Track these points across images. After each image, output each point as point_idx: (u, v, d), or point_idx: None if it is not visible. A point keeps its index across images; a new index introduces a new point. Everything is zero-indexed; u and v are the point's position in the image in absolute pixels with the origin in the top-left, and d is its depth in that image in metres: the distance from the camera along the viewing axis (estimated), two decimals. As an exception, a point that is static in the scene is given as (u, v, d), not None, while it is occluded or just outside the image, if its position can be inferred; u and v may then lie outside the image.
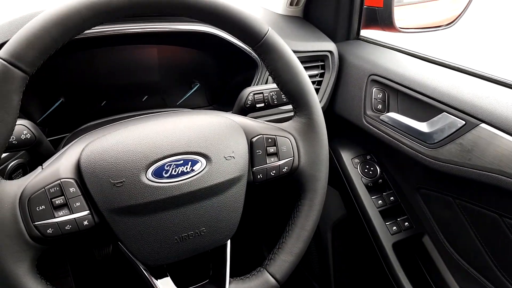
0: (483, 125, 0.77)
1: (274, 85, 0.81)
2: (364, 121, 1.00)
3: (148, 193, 0.57)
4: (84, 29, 0.54)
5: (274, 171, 0.68)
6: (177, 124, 0.62)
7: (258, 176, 0.67)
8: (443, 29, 1.16)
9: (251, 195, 0.67)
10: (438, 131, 0.84)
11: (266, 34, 0.63)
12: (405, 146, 0.91)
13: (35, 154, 0.69)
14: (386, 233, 1.02)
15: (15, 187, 0.53)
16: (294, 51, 0.67)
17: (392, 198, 1.06)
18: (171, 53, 0.99)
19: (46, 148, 0.69)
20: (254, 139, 0.67)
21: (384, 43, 1.09)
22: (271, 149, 0.67)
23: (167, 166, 0.59)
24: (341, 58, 1.06)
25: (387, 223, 1.03)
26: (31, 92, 0.84)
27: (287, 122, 0.71)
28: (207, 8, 0.59)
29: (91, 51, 0.88)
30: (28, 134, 0.63)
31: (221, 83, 1.05)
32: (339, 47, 1.07)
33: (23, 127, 0.63)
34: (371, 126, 0.98)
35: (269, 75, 0.96)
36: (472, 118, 0.78)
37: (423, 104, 0.88)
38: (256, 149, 0.67)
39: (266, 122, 0.70)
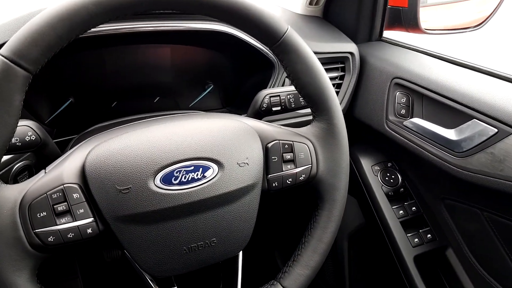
0: (517, 133, 0.71)
1: (292, 88, 0.77)
2: (386, 126, 0.95)
3: (156, 201, 0.53)
4: (91, 26, 0.51)
5: (290, 179, 0.63)
6: (187, 128, 0.58)
7: (273, 184, 0.63)
8: (471, 31, 1.10)
9: (266, 204, 0.63)
10: (467, 139, 0.78)
11: (285, 33, 0.59)
12: (430, 154, 0.86)
13: (41, 156, 0.66)
14: (407, 245, 0.97)
15: (15, 192, 0.50)
16: (313, 52, 0.63)
17: (414, 208, 1.00)
18: (184, 53, 0.95)
19: (52, 151, 0.66)
20: (269, 145, 0.63)
21: (408, 44, 1.03)
22: (288, 156, 0.63)
23: (176, 172, 0.55)
24: (362, 60, 1.02)
25: (409, 235, 0.98)
26: (39, 92, 0.82)
27: (305, 127, 0.66)
28: (223, 5, 0.55)
29: (102, 50, 0.86)
30: (33, 136, 0.60)
31: (235, 85, 1.01)
32: (360, 48, 1.02)
33: (27, 128, 0.60)
34: (393, 132, 0.93)
35: (286, 77, 0.93)
36: (506, 126, 0.73)
37: (450, 110, 0.82)
38: (272, 155, 0.63)
39: (282, 127, 0.66)
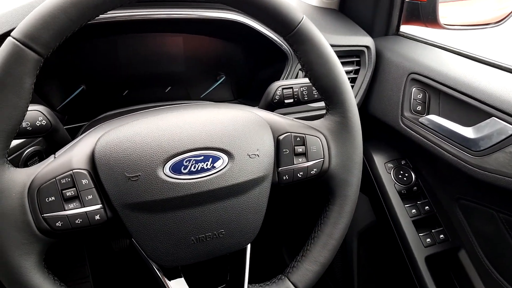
0: (539, 133, 0.69)
1: (305, 80, 0.75)
2: (401, 123, 0.92)
3: (165, 189, 0.52)
4: (104, 11, 0.50)
5: (301, 173, 0.62)
6: (198, 117, 0.57)
7: (284, 177, 0.61)
8: (491, 27, 1.07)
9: (275, 197, 0.62)
10: (485, 138, 0.76)
11: (300, 22, 0.57)
12: (445, 152, 0.83)
13: (51, 142, 0.66)
14: (419, 245, 0.95)
15: (24, 176, 0.49)
16: None
17: (427, 207, 0.98)
18: (197, 43, 0.94)
19: (62, 136, 0.66)
20: (281, 137, 0.61)
21: (426, 39, 1.01)
22: (300, 149, 0.62)
23: (186, 162, 0.54)
24: (378, 54, 0.99)
25: (421, 235, 0.96)
26: (51, 79, 0.82)
27: (318, 120, 0.65)
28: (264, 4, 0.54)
29: (114, 37, 0.85)
30: (44, 121, 0.60)
31: (248, 76, 0.99)
32: (376, 42, 1.00)
33: (38, 113, 0.60)
34: (408, 129, 0.91)
35: (300, 68, 0.91)
36: (526, 124, 0.70)
37: (468, 107, 0.80)
38: (283, 148, 0.61)
39: (294, 119, 0.65)
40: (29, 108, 0.50)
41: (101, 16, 0.50)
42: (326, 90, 0.61)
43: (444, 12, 1.04)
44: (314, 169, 0.62)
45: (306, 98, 0.74)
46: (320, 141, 0.62)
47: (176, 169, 0.53)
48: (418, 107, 0.90)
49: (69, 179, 0.50)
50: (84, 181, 0.51)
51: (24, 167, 0.71)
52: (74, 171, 0.51)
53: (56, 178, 0.50)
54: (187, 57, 0.94)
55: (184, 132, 0.55)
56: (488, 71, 0.83)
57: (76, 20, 0.48)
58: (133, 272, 1.47)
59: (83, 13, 0.48)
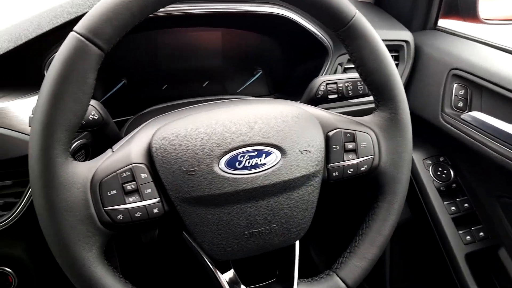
0: None
1: (349, 75, 0.75)
2: (441, 119, 0.91)
3: (221, 184, 0.53)
4: (163, 5, 0.50)
5: (351, 169, 0.62)
6: (250, 113, 0.57)
7: (334, 174, 0.61)
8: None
9: (324, 193, 0.62)
10: (532, 135, 0.75)
11: (353, 17, 0.57)
12: (489, 150, 0.82)
13: (99, 135, 0.67)
14: (458, 242, 0.94)
15: (86, 170, 0.50)
16: None
17: (466, 205, 0.97)
18: (234, 37, 0.94)
19: (112, 130, 0.67)
20: (330, 133, 0.61)
21: (466, 34, 0.99)
22: (350, 145, 0.61)
23: (240, 157, 0.54)
24: (417, 49, 0.98)
25: (460, 232, 0.94)
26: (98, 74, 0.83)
27: (367, 117, 0.64)
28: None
29: (155, 32, 0.85)
30: (96, 115, 0.61)
31: (284, 71, 0.99)
32: (415, 37, 0.98)
33: (91, 107, 0.61)
34: (449, 126, 0.90)
35: (339, 63, 0.91)
36: None
37: (513, 104, 0.79)
38: (333, 144, 0.61)
39: (342, 115, 0.64)
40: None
41: None
42: (377, 86, 0.60)
43: (484, 6, 1.02)
44: (364, 166, 0.62)
45: (350, 94, 0.74)
46: (371, 137, 0.62)
47: (231, 164, 0.54)
48: (459, 104, 0.88)
49: (129, 173, 0.51)
50: (143, 175, 0.52)
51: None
52: (133, 165, 0.52)
53: (117, 172, 0.51)
54: (224, 52, 0.95)
55: (238, 128, 0.55)
56: (534, 66, 0.81)
57: (138, 15, 0.49)
58: (161, 264, 1.49)
59: (145, 8, 0.49)
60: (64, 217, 0.48)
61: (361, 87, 0.74)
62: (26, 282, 0.79)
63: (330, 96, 0.74)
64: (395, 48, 0.96)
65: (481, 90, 0.85)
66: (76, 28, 0.47)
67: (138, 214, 0.51)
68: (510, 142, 0.78)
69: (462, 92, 0.88)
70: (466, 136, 0.86)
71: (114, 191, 0.50)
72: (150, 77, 0.90)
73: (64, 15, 0.68)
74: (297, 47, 0.94)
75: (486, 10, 1.04)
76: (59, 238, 0.48)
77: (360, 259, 0.62)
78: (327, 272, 0.63)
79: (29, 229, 0.72)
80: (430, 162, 0.99)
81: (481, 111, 0.86)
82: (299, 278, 0.62)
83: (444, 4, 1.03)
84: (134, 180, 0.51)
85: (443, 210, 0.95)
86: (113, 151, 0.54)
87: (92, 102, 0.61)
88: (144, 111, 0.79)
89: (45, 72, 0.71)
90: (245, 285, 0.60)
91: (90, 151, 0.75)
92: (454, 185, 0.98)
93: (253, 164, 0.55)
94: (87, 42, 0.46)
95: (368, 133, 0.62)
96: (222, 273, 0.58)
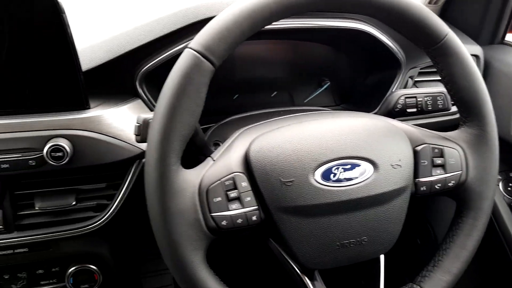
0: None
1: (428, 90, 0.75)
2: (512, 134, 0.90)
3: (317, 195, 0.55)
4: (269, 23, 0.53)
5: (439, 185, 0.62)
6: (341, 126, 0.59)
7: (421, 188, 0.62)
8: None
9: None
10: None
11: (446, 35, 0.58)
12: None
13: (189, 144, 0.70)
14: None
15: (194, 177, 0.53)
16: None
17: (539, 222, 0.95)
18: (303, 49, 0.96)
19: (201, 138, 0.70)
20: (418, 148, 0.62)
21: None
22: (438, 161, 0.62)
23: (334, 169, 0.56)
24: (486, 63, 0.97)
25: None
26: None
27: (454, 132, 0.65)
28: (385, 4, 0.55)
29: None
30: None
31: (351, 82, 1.00)
32: (483, 51, 0.98)
33: None
34: (521, 141, 0.89)
35: (410, 76, 0.91)
36: None
37: None
38: (421, 159, 0.62)
39: (428, 130, 0.65)
40: None
41: None
42: (466, 103, 0.61)
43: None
44: (452, 181, 0.62)
45: (429, 108, 0.75)
46: (459, 153, 0.63)
47: (325, 176, 0.56)
48: (533, 119, 0.87)
49: (231, 182, 0.54)
50: (243, 184, 0.55)
51: None
52: (235, 174, 0.55)
53: (221, 180, 0.54)
54: (293, 63, 0.97)
55: (332, 141, 0.57)
56: None
57: (247, 33, 0.52)
58: (226, 264, 1.52)
59: (254, 26, 0.51)
60: (176, 221, 0.51)
61: (441, 102, 0.75)
62: (109, 280, 0.83)
63: (408, 110, 0.75)
64: (465, 62, 0.96)
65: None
66: (191, 45, 0.50)
67: (239, 220, 0.54)
68: None
69: (535, 107, 0.87)
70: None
71: (219, 198, 0.53)
72: (225, 87, 0.93)
73: (158, 30, 0.72)
74: (365, 59, 0.95)
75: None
76: (170, 240, 0.51)
77: (444, 273, 0.63)
78: (410, 285, 0.64)
79: (114, 230, 0.77)
80: (500, 177, 0.98)
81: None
82: None
83: None
84: (236, 188, 0.54)
85: (514, 227, 0.94)
86: (214, 160, 0.57)
87: None
88: (225, 120, 0.82)
89: (136, 83, 0.75)
90: None
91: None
92: (524, 201, 0.96)
93: (347, 177, 0.56)
94: (202, 58, 0.50)
95: (456, 149, 0.63)
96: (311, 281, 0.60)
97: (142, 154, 0.71)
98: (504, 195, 0.96)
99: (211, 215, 0.53)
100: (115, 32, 0.72)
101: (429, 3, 1.07)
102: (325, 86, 0.99)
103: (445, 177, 0.62)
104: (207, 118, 0.87)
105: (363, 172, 0.57)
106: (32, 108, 0.66)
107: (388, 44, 0.85)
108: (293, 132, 0.58)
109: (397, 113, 0.75)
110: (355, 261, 0.60)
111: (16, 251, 0.76)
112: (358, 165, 0.57)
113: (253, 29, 0.52)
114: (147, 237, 1.27)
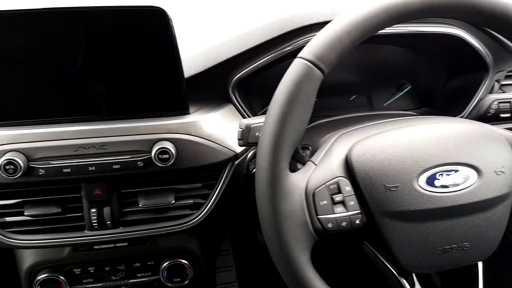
0: None
1: None
2: None
3: (421, 201, 0.56)
4: (377, 32, 0.54)
5: None
6: (442, 132, 0.60)
7: None
8: None
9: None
10: None
11: None
12: None
13: None
14: None
15: (301, 180, 0.56)
16: None
17: None
18: (383, 52, 0.97)
19: None
20: None
21: None
22: None
23: (438, 175, 0.57)
24: None
25: None
26: (254, 88, 0.90)
27: None
28: (499, 13, 0.55)
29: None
30: None
31: (431, 86, 0.99)
32: None
33: None
34: None
35: (497, 80, 0.89)
36: None
37: None
38: None
39: None
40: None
41: None
42: None
43: None
44: None
45: (525, 113, 0.73)
46: None
47: (430, 182, 0.56)
48: None
49: (335, 185, 0.56)
50: (347, 188, 0.57)
51: (247, 171, 0.80)
52: (339, 178, 0.57)
53: (326, 183, 0.56)
54: (371, 66, 0.97)
55: (434, 146, 0.57)
56: None
57: (356, 42, 0.53)
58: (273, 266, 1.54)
59: (364, 35, 0.53)
60: (286, 222, 0.53)
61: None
62: (198, 274, 0.88)
63: (502, 115, 0.74)
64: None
65: None
66: (303, 55, 0.53)
67: (343, 223, 0.56)
68: None
69: None
70: None
71: (325, 201, 0.55)
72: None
73: (254, 40, 0.76)
74: (448, 62, 0.94)
75: None
76: (279, 240, 0.54)
77: None
78: None
79: (205, 227, 0.81)
80: None
81: None
82: None
83: None
84: (341, 192, 0.56)
85: None
86: (315, 164, 0.59)
87: None
88: (312, 124, 0.84)
89: (229, 89, 0.79)
90: None
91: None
92: None
93: (451, 183, 0.57)
94: (313, 67, 0.52)
95: None
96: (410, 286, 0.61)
97: (235, 157, 0.75)
98: None
99: (317, 217, 0.55)
100: (212, 42, 0.76)
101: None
102: (405, 90, 0.98)
103: None
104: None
105: (467, 178, 0.57)
106: (140, 114, 0.72)
107: (477, 47, 0.83)
108: (395, 138, 0.59)
109: (489, 118, 0.74)
110: (455, 266, 0.60)
111: (117, 245, 0.83)
112: (462, 171, 0.57)
113: (362, 38, 0.54)
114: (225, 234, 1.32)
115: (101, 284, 0.85)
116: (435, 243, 0.57)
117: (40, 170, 0.67)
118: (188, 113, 0.74)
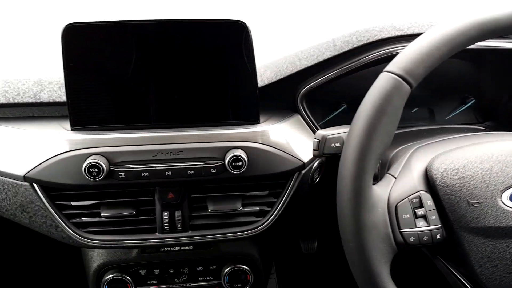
0: None
1: None
2: None
3: (505, 218, 0.55)
4: (464, 48, 0.54)
5: None
6: None
7: None
8: None
9: None
10: None
11: None
12: None
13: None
14: None
15: (383, 193, 0.56)
16: None
17: None
18: (443, 66, 0.95)
19: None
20: None
21: None
22: None
23: None
24: None
25: None
26: (317, 100, 0.91)
27: None
28: None
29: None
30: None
31: (495, 99, 0.97)
32: None
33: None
34: None
35: None
36: None
37: None
38: None
39: None
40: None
41: None
42: None
43: None
44: None
45: None
46: None
47: None
48: None
49: (417, 199, 0.56)
50: (429, 202, 0.57)
51: (311, 181, 0.81)
52: (420, 192, 0.57)
53: (408, 197, 0.56)
54: (433, 79, 0.96)
55: None
56: None
57: (444, 57, 0.53)
58: (318, 276, 1.54)
59: (452, 50, 0.53)
60: (369, 235, 0.54)
61: None
62: (257, 280, 0.89)
63: None
64: None
65: None
66: (391, 69, 0.53)
67: (425, 238, 0.56)
68: None
69: None
70: None
71: (408, 215, 0.56)
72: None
73: (328, 52, 0.77)
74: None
75: None
76: (362, 252, 0.54)
77: None
78: None
79: (266, 234, 0.83)
80: None
81: None
82: None
83: None
84: (422, 206, 0.56)
85: None
86: (394, 177, 0.59)
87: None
88: None
89: (298, 100, 0.81)
90: None
91: (319, 172, 0.83)
92: None
93: None
94: (402, 81, 0.52)
95: None
96: None
97: (303, 166, 0.76)
98: None
99: (400, 231, 0.55)
100: (284, 53, 0.78)
101: None
102: (469, 104, 0.97)
103: None
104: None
105: (552, 197, 0.56)
106: (214, 122, 0.75)
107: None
108: (476, 153, 0.59)
109: None
110: None
111: (182, 248, 0.85)
112: (546, 189, 0.56)
113: (450, 54, 0.54)
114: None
115: (165, 286, 0.88)
116: None
117: (120, 173, 0.70)
118: (258, 122, 0.76)
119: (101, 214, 0.75)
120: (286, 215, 0.80)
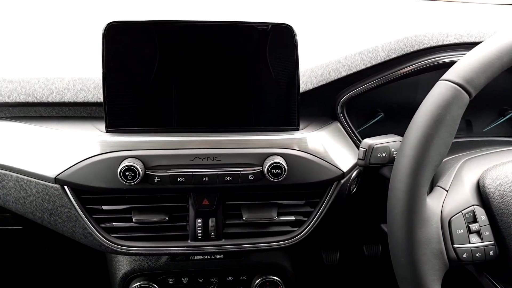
0: None
1: None
2: None
3: None
4: None
5: None
6: None
7: None
8: None
9: None
10: None
11: None
12: None
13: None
14: None
15: (436, 207, 0.54)
16: None
17: None
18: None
19: None
20: None
21: None
22: None
23: None
24: None
25: None
26: (355, 108, 0.89)
27: None
28: None
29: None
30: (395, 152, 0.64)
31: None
32: None
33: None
34: None
35: None
36: None
37: None
38: None
39: None
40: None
41: None
42: None
43: None
44: None
45: None
46: None
47: None
48: None
49: (471, 214, 0.54)
50: (483, 217, 0.54)
51: (349, 191, 0.78)
52: (474, 206, 0.54)
53: (462, 211, 0.54)
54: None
55: None
56: None
57: (505, 67, 0.51)
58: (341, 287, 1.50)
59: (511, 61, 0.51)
60: (422, 250, 0.51)
61: None
62: (289, 292, 0.87)
63: None
64: None
65: None
66: (449, 77, 0.51)
67: (478, 254, 0.53)
68: None
69: None
70: None
71: (462, 230, 0.53)
72: (403, 111, 0.93)
73: (373, 59, 0.75)
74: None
75: None
76: (414, 268, 0.52)
77: None
78: None
79: (300, 245, 0.80)
80: None
81: None
82: None
83: None
84: (476, 221, 0.54)
85: None
86: (446, 190, 0.57)
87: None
88: None
89: (338, 107, 0.79)
90: None
91: (357, 181, 0.81)
92: None
93: None
94: (461, 90, 0.50)
95: None
96: None
97: (342, 176, 0.74)
98: None
99: (453, 247, 0.53)
100: (325, 59, 0.76)
101: None
102: (509, 115, 0.94)
103: None
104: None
105: None
106: (254, 127, 0.72)
107: None
108: None
109: None
110: None
111: (213, 257, 0.82)
112: None
113: (510, 64, 0.52)
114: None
115: (193, 296, 0.86)
116: None
117: (156, 177, 0.68)
118: (298, 129, 0.73)
119: (133, 220, 0.73)
120: (322, 226, 0.77)
